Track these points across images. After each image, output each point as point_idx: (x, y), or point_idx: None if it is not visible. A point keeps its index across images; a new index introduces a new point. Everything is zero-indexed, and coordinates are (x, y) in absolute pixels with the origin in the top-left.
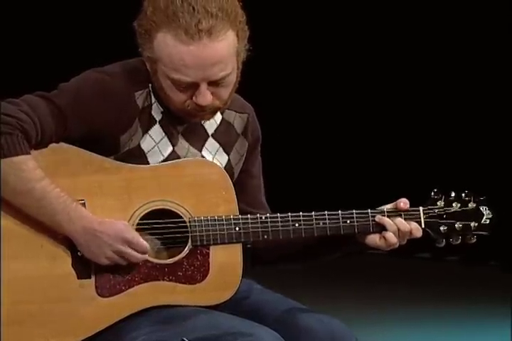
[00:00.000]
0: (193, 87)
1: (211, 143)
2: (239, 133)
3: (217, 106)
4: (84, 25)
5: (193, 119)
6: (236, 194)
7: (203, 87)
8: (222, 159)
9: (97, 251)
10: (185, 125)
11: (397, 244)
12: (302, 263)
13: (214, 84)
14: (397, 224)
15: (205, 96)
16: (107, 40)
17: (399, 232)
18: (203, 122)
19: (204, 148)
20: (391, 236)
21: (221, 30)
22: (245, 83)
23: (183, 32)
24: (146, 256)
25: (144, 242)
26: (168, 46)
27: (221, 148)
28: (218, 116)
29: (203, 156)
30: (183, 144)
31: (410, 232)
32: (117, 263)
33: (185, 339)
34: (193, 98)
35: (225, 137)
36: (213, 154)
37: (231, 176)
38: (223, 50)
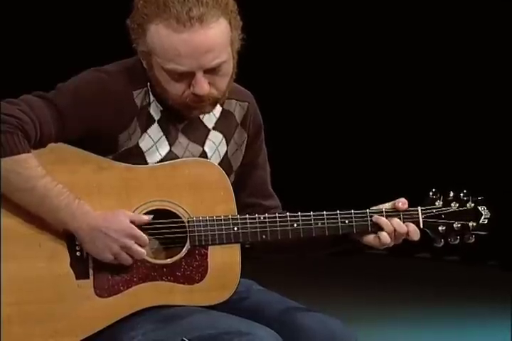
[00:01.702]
0: (189, 77)
1: (215, 135)
2: (238, 122)
3: (215, 96)
4: (82, 25)
5: (194, 113)
6: (243, 186)
7: (199, 75)
8: (222, 150)
9: (102, 246)
10: (184, 122)
11: (392, 244)
12: (291, 255)
13: (210, 72)
14: (393, 225)
15: (202, 85)
16: (105, 40)
17: (395, 233)
18: (201, 117)
19: (207, 141)
20: (385, 236)
21: (212, 17)
22: (245, 80)
23: (174, 21)
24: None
25: (146, 238)
26: (160, 36)
27: (224, 139)
28: (217, 109)
29: (204, 151)
30: (182, 142)
31: (407, 234)
32: (119, 262)
33: (185, 339)
34: (191, 88)
35: (226, 127)
36: (216, 145)
37: (228, 166)
38: (216, 36)
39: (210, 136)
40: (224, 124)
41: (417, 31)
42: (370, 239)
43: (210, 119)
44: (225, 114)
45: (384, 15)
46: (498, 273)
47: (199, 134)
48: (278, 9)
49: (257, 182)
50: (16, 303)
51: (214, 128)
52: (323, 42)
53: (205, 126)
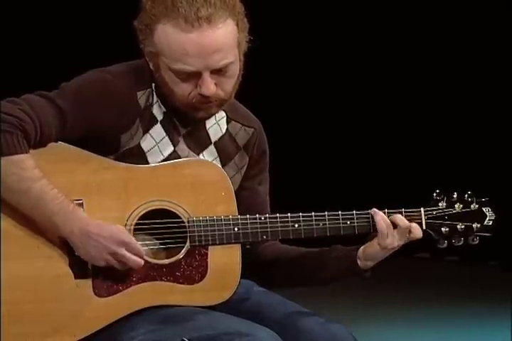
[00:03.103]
0: (195, 77)
1: (210, 151)
2: (240, 146)
3: (221, 97)
4: (85, 25)
5: (200, 114)
6: (241, 211)
7: (206, 75)
8: None
9: (94, 253)
10: (188, 128)
11: (394, 242)
12: (303, 286)
13: (216, 73)
14: (396, 220)
15: (209, 86)
16: (110, 41)
17: (398, 230)
18: (207, 127)
19: (201, 155)
20: (382, 228)
21: (220, 17)
22: (246, 85)
23: (182, 20)
24: (142, 261)
25: (140, 246)
26: (168, 36)
27: (218, 158)
28: (224, 126)
29: None
30: (183, 146)
31: (410, 230)
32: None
33: (185, 339)
34: (197, 88)
35: (225, 148)
36: None
37: None
38: (223, 37)
39: (205, 151)
40: (224, 145)
41: (416, 34)
42: (375, 244)
43: (215, 132)
44: (228, 134)
45: (383, 18)
46: (499, 274)
47: (198, 145)
48: (285, 11)
49: (257, 209)
50: (15, 303)
51: (215, 144)
52: (328, 45)
53: (209, 138)
